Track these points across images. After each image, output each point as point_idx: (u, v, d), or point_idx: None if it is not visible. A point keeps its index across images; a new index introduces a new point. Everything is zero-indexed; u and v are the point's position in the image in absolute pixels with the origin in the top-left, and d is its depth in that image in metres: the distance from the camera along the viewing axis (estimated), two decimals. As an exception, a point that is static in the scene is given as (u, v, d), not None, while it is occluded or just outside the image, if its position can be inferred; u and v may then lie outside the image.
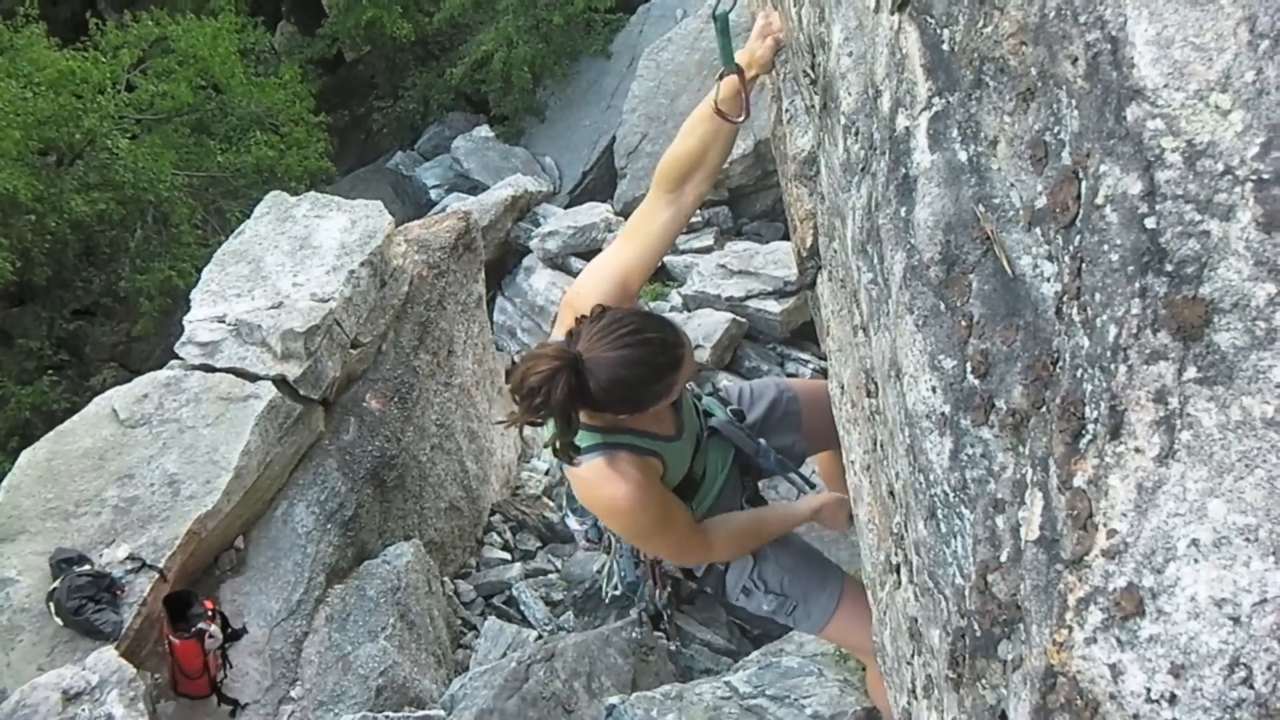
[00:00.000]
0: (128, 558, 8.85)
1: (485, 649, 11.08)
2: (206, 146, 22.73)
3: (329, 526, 10.23)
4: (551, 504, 13.20)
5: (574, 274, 18.14)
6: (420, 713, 9.12)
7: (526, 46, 24.72)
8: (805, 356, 15.38)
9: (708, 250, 17.58)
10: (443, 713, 8.86)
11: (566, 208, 21.04)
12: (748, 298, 15.90)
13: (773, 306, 15.73)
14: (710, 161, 3.89)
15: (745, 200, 19.71)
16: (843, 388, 3.42)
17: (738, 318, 15.39)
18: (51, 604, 8.45)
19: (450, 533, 12.02)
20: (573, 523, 4.71)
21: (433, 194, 23.50)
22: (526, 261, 19.18)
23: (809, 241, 3.84)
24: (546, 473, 13.93)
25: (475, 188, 22.71)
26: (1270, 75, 1.26)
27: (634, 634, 10.83)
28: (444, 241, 12.38)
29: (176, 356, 10.36)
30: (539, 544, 12.78)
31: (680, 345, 3.70)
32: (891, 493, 2.44)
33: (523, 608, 11.78)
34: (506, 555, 12.54)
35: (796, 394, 4.81)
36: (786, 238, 18.28)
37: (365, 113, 28.65)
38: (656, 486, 3.85)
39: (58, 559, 8.69)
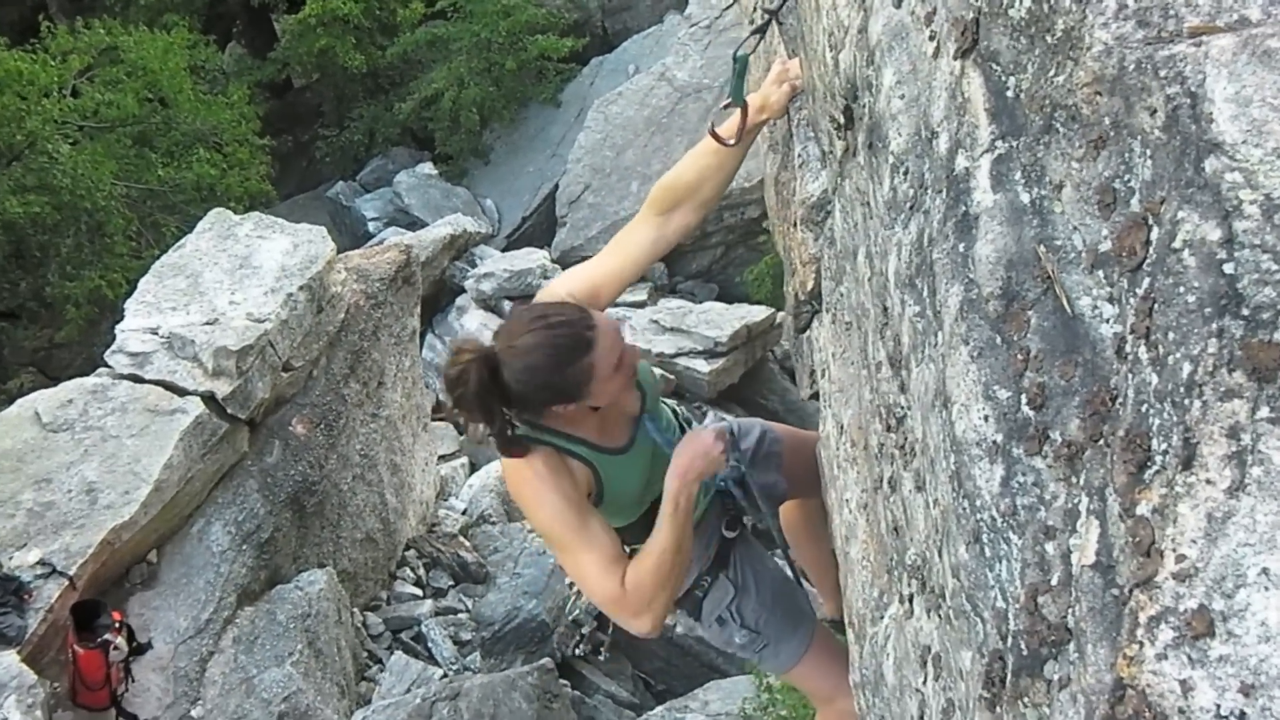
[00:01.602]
0: (38, 562, 8.71)
1: (390, 683, 11.02)
2: (148, 159, 22.50)
3: (244, 547, 10.15)
4: (467, 543, 13.16)
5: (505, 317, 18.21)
6: (322, 742, 9.07)
7: (477, 88, 24.82)
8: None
9: (641, 305, 17.70)
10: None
11: (504, 251, 21.13)
12: (678, 355, 16.02)
13: (701, 366, 15.86)
14: (703, 194, 3.92)
15: (683, 258, 19.90)
16: (841, 428, 3.46)
17: (666, 374, 15.47)
18: (-45, 604, 8.31)
19: (364, 564, 11.95)
20: None
21: (371, 226, 23.44)
22: (460, 301, 19.20)
23: (810, 285, 3.89)
24: (464, 512, 13.90)
25: (414, 223, 22.71)
26: (1344, 140, 1.33)
27: (540, 679, 10.82)
28: (383, 273, 12.37)
29: (102, 365, 10.24)
30: (451, 583, 12.74)
31: (591, 327, 3.61)
32: (896, 529, 2.49)
33: (430, 645, 11.73)
34: (418, 591, 12.49)
35: (779, 436, 4.80)
36: (720, 299, 18.50)
37: (309, 140, 28.53)
38: (565, 490, 3.76)
39: (-35, 559, 8.55)
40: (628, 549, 4.28)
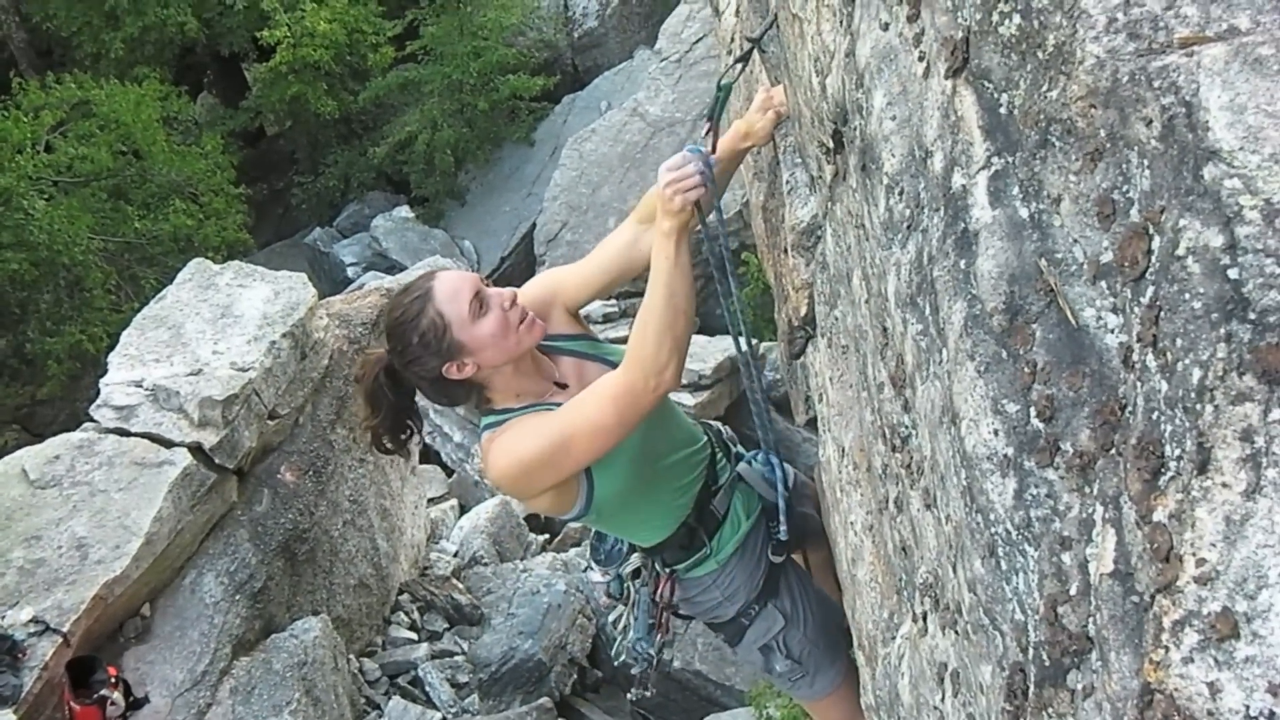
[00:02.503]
0: (31, 620, 8.66)
1: (389, 729, 10.99)
2: (124, 212, 22.56)
3: (237, 597, 10.10)
4: (460, 585, 13.13)
5: (488, 357, 18.21)
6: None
7: (450, 130, 24.93)
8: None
9: (625, 340, 17.64)
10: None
11: (484, 291, 21.10)
12: (662, 388, 15.98)
13: (687, 399, 15.84)
14: None
15: (664, 293, 19.88)
16: (843, 451, 3.47)
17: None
18: (-51, 665, 8.26)
19: (358, 610, 11.90)
20: (595, 575, 4.62)
21: (350, 271, 23.48)
22: (442, 343, 19.16)
23: (803, 310, 3.91)
24: (456, 554, 13.87)
25: (393, 267, 22.72)
26: (1340, 143, 1.35)
27: (539, 718, 10.80)
28: (365, 317, 12.35)
29: (86, 419, 10.21)
30: (446, 625, 12.70)
31: (428, 279, 3.73)
32: (904, 549, 2.50)
33: (428, 688, 11.68)
34: (413, 635, 12.44)
35: (807, 480, 4.82)
36: (702, 331, 18.52)
37: (284, 187, 28.63)
38: (526, 417, 3.73)
39: (-42, 619, 8.50)
40: (669, 569, 4.28)
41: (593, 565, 4.61)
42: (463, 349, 3.65)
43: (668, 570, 4.29)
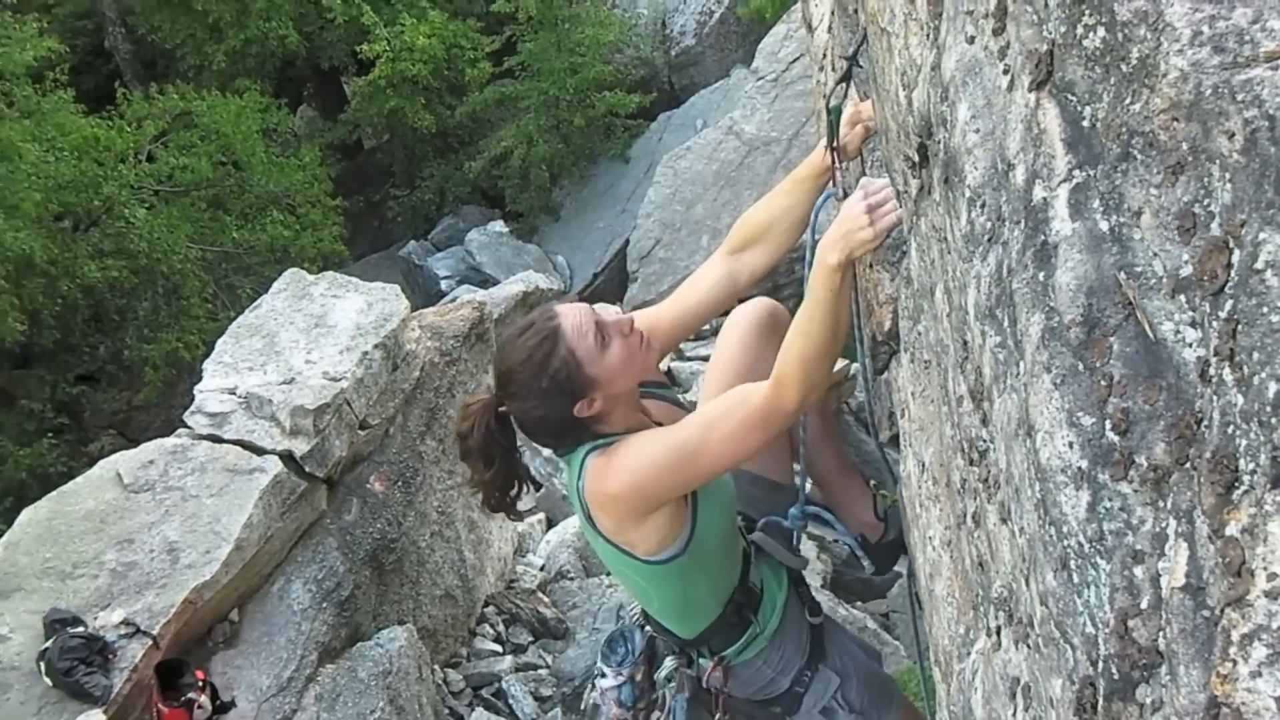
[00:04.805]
0: (122, 622, 8.78)
1: (471, 740, 11.02)
2: (222, 222, 22.97)
3: (325, 605, 10.17)
4: (546, 599, 13.14)
5: (578, 373, 18.23)
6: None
7: (546, 146, 25.08)
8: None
9: (706, 358, 17.63)
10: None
11: (576, 308, 21.19)
12: (753, 408, 15.91)
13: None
14: (773, 235, 3.90)
15: (754, 312, 19.86)
16: (923, 466, 3.46)
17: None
18: (42, 664, 8.37)
19: (444, 621, 11.94)
20: (606, 681, 4.39)
21: (443, 284, 23.66)
22: (533, 358, 19.23)
23: (887, 325, 3.91)
24: (542, 568, 13.89)
25: (486, 281, 22.84)
26: None
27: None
28: (458, 330, 12.40)
29: (182, 425, 10.34)
30: (531, 638, 12.70)
31: (551, 318, 3.61)
32: (981, 564, 2.49)
33: (511, 701, 11.68)
34: (498, 648, 12.45)
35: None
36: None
37: (381, 200, 28.93)
38: (652, 433, 3.65)
39: (51, 619, 8.62)
40: (718, 656, 4.19)
41: (605, 670, 4.38)
42: (594, 384, 3.60)
43: (716, 658, 4.15)
